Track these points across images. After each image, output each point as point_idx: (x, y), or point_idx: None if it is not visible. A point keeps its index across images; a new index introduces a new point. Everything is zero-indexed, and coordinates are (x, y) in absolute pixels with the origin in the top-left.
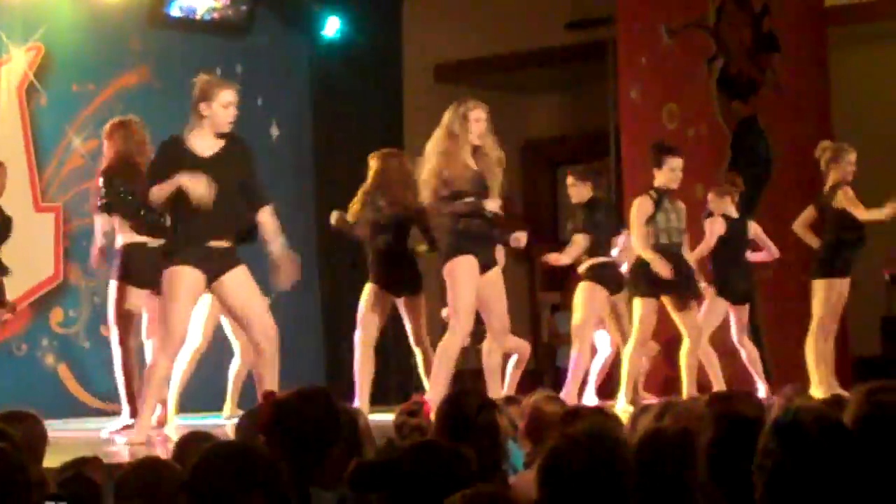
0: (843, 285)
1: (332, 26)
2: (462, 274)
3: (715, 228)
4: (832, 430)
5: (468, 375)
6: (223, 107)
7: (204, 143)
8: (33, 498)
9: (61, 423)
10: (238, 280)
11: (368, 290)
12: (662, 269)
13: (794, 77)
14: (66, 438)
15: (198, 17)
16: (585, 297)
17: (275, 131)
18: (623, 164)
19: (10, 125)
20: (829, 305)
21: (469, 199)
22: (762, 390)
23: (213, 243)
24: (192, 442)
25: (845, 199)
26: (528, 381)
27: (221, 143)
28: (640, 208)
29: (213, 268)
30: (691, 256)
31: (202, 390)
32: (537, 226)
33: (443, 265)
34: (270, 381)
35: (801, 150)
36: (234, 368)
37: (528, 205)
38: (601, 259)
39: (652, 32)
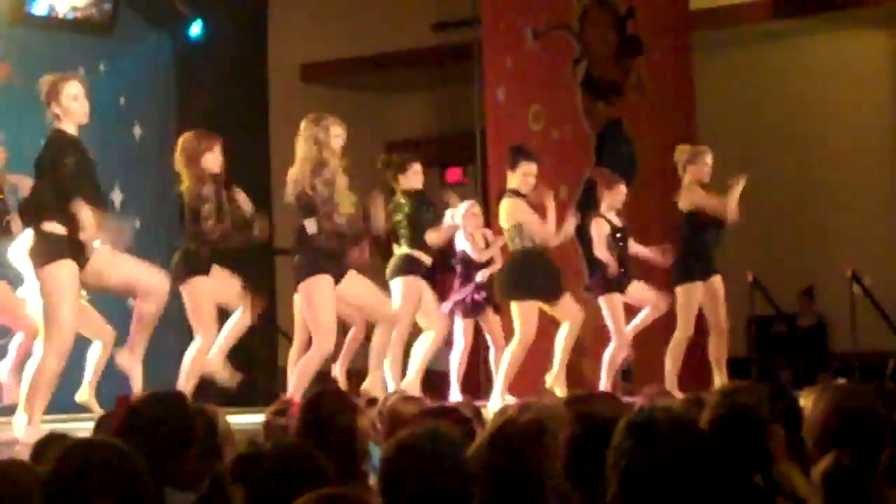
0: (699, 289)
1: (195, 27)
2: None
3: (601, 229)
4: (685, 430)
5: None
6: (73, 100)
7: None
8: None
9: None
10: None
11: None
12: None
13: (659, 80)
14: None
15: (60, 15)
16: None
17: (138, 131)
18: (489, 166)
19: None
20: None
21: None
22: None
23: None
24: (50, 443)
25: (694, 196)
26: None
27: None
28: (517, 207)
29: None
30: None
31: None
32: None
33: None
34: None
35: (666, 152)
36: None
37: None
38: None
39: (517, 34)
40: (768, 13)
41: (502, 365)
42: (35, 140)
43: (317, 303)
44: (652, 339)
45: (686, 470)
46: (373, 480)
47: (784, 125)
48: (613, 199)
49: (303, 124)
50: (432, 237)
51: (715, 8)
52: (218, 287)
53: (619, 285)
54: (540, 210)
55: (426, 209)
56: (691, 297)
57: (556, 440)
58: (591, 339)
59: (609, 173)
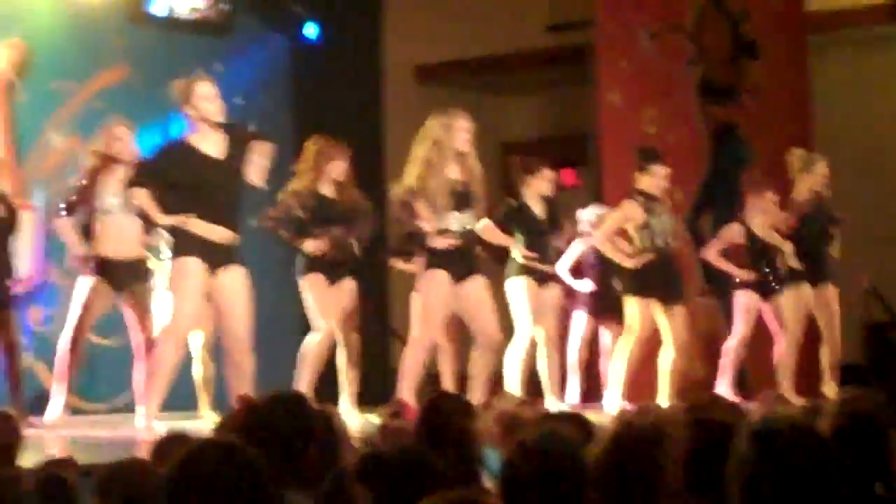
0: (809, 294)
1: (311, 28)
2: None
3: (729, 234)
4: (807, 438)
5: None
6: (206, 100)
7: (208, 140)
8: (7, 496)
9: (39, 422)
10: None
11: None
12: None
13: (774, 83)
14: (42, 437)
15: (179, 15)
16: None
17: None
18: (603, 168)
19: None
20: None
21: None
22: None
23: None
24: (171, 442)
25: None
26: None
27: (222, 137)
28: (626, 212)
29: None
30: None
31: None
32: None
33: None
34: (240, 386)
35: (782, 157)
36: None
37: None
38: None
39: (632, 36)
40: (885, 16)
41: (613, 367)
42: (152, 140)
43: (428, 297)
44: (764, 345)
45: (808, 478)
46: (487, 484)
47: None
48: (762, 205)
49: (426, 123)
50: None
51: (831, 11)
52: (335, 297)
53: (765, 289)
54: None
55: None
56: (799, 303)
57: (674, 445)
58: (704, 343)
59: (759, 179)
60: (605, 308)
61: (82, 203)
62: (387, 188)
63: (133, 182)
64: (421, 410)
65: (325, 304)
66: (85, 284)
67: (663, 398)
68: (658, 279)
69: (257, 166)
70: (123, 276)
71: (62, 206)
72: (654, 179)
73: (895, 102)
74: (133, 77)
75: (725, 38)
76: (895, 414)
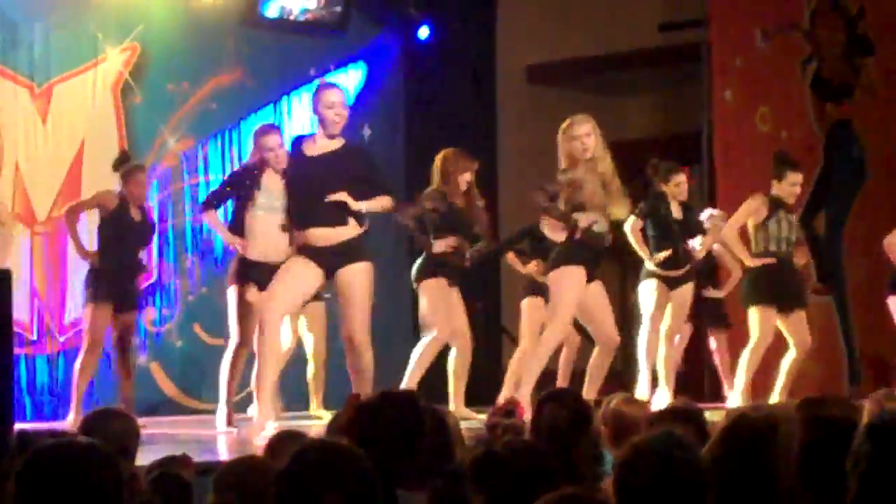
0: None
1: (424, 29)
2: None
3: None
4: None
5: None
6: (327, 107)
7: (317, 144)
8: (124, 495)
9: (154, 422)
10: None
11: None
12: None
13: (890, 81)
14: (158, 436)
15: (292, 17)
16: None
17: (367, 132)
18: (715, 166)
19: (105, 125)
20: None
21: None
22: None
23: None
24: (284, 441)
25: None
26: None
27: (336, 144)
28: (753, 205)
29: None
30: None
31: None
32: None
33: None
34: (360, 382)
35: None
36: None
37: None
38: None
39: (746, 34)
40: None
41: (738, 373)
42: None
43: (562, 291)
44: (881, 343)
45: None
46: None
47: None
48: None
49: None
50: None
51: None
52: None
53: None
54: None
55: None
56: None
57: (788, 441)
58: (820, 342)
59: None
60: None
61: (229, 197)
62: (499, 187)
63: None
64: (535, 408)
65: (445, 308)
66: (232, 293)
67: (778, 396)
68: (776, 286)
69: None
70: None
71: (210, 199)
72: (789, 186)
73: None
74: (246, 79)
75: (840, 35)
76: None
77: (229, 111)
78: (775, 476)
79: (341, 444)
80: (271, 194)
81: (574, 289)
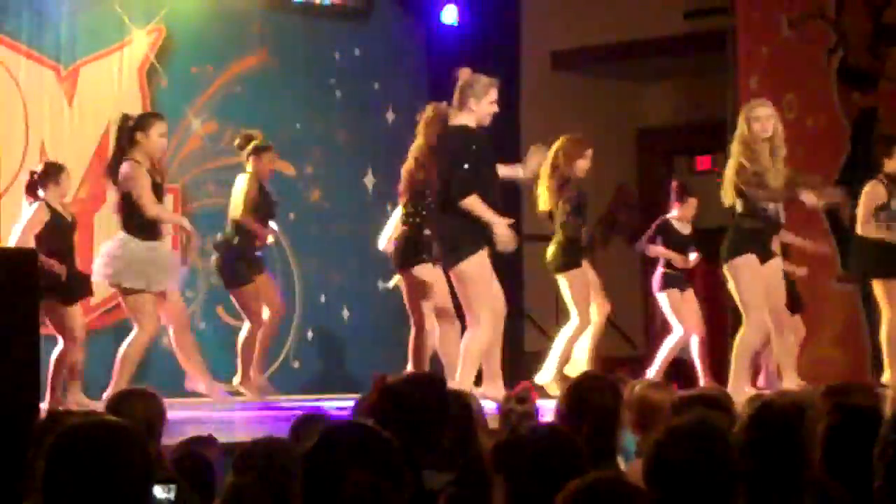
0: None
1: (449, 13)
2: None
3: None
4: None
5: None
6: (489, 104)
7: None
8: (151, 474)
9: (179, 402)
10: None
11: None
12: None
13: None
14: (182, 417)
15: (318, 1)
16: None
17: (391, 116)
18: None
19: (130, 106)
20: None
21: None
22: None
23: None
24: (308, 422)
25: None
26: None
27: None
28: (869, 193)
29: None
30: None
31: None
32: (653, 215)
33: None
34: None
35: None
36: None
37: (644, 194)
38: None
39: (772, 22)
40: None
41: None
42: (289, 124)
43: (742, 283)
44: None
45: None
46: (625, 466)
47: None
48: None
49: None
50: None
51: None
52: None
53: None
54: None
55: None
56: None
57: (814, 427)
58: (844, 331)
59: None
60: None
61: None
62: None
63: None
64: (566, 390)
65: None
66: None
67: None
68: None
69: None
70: None
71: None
72: None
73: None
74: (271, 62)
75: (867, 23)
76: None
77: (254, 94)
78: (802, 462)
79: (367, 424)
80: None
81: (745, 277)
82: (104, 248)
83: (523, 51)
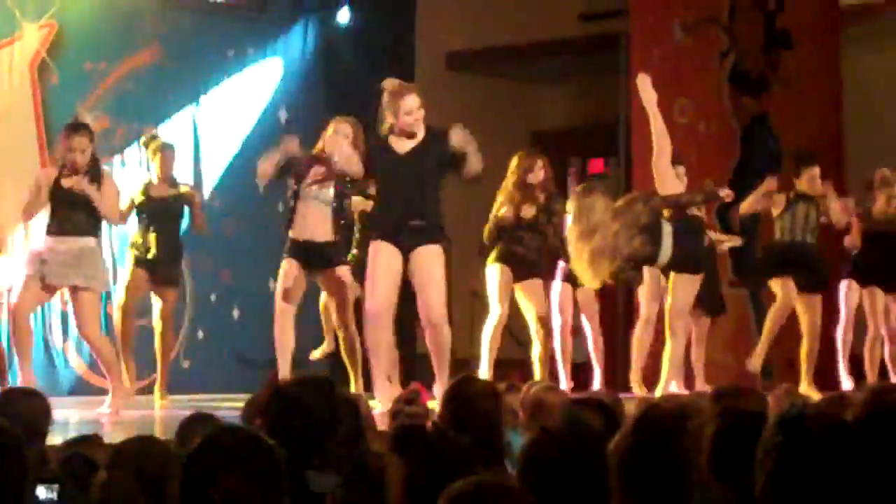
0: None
1: (343, 13)
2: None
3: None
4: (836, 428)
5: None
6: (406, 114)
7: (400, 143)
8: (27, 474)
9: (69, 402)
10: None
11: None
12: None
13: (807, 75)
14: (71, 417)
15: None
16: None
17: (284, 116)
18: (633, 157)
19: (22, 103)
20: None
21: None
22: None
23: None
24: (195, 423)
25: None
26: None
27: (417, 140)
28: (770, 191)
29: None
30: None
31: None
32: None
33: None
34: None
35: (811, 148)
36: None
37: None
38: None
39: (665, 26)
40: None
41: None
42: (181, 121)
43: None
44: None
45: (836, 468)
46: (510, 469)
47: None
48: None
49: None
50: None
51: (865, 4)
52: None
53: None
54: None
55: None
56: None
57: (700, 432)
58: (735, 335)
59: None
60: None
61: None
62: None
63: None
64: (446, 393)
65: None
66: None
67: None
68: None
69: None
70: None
71: None
72: (812, 182)
73: None
74: (165, 59)
75: (759, 29)
76: None
77: (147, 91)
78: (685, 467)
79: (248, 429)
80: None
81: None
82: None
83: (418, 52)
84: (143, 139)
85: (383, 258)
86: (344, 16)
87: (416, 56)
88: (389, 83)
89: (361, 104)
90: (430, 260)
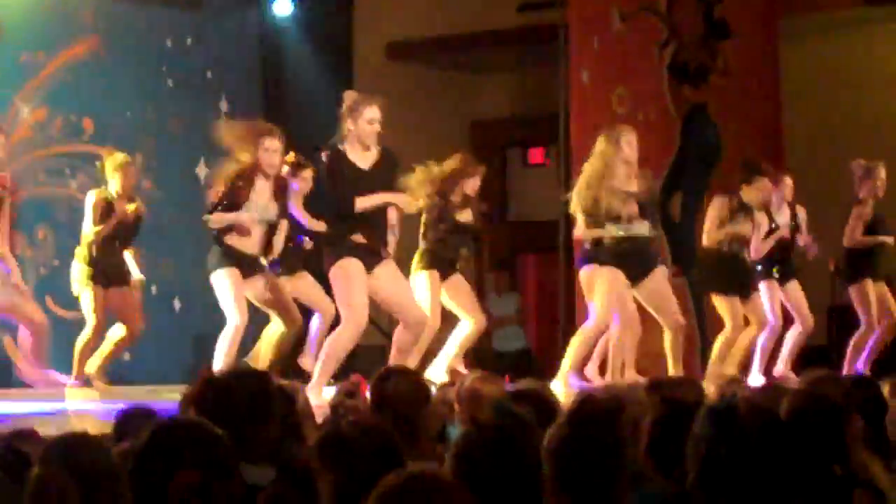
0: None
1: (283, 3)
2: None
3: None
4: (765, 418)
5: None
6: (368, 123)
7: (357, 155)
8: None
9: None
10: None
11: None
12: None
13: (745, 65)
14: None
15: None
16: None
17: (224, 106)
18: (572, 147)
19: None
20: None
21: None
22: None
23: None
24: (132, 417)
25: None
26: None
27: (375, 154)
28: (716, 206)
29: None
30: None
31: None
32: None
33: None
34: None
35: (750, 138)
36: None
37: None
38: None
39: (604, 16)
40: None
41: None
42: (120, 112)
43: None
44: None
45: (765, 457)
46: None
47: (877, 116)
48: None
49: None
50: None
51: None
52: None
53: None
54: None
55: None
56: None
57: (637, 422)
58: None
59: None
60: None
61: (228, 208)
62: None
63: None
64: (372, 386)
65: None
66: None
67: None
68: None
69: None
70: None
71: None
72: (759, 193)
73: (866, 86)
74: (103, 50)
75: (698, 18)
76: (856, 397)
77: (84, 82)
78: (621, 458)
79: (197, 420)
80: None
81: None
82: None
83: (358, 42)
84: (104, 158)
85: (357, 272)
86: (283, 6)
87: (355, 46)
88: (353, 92)
89: (301, 94)
90: (397, 272)
